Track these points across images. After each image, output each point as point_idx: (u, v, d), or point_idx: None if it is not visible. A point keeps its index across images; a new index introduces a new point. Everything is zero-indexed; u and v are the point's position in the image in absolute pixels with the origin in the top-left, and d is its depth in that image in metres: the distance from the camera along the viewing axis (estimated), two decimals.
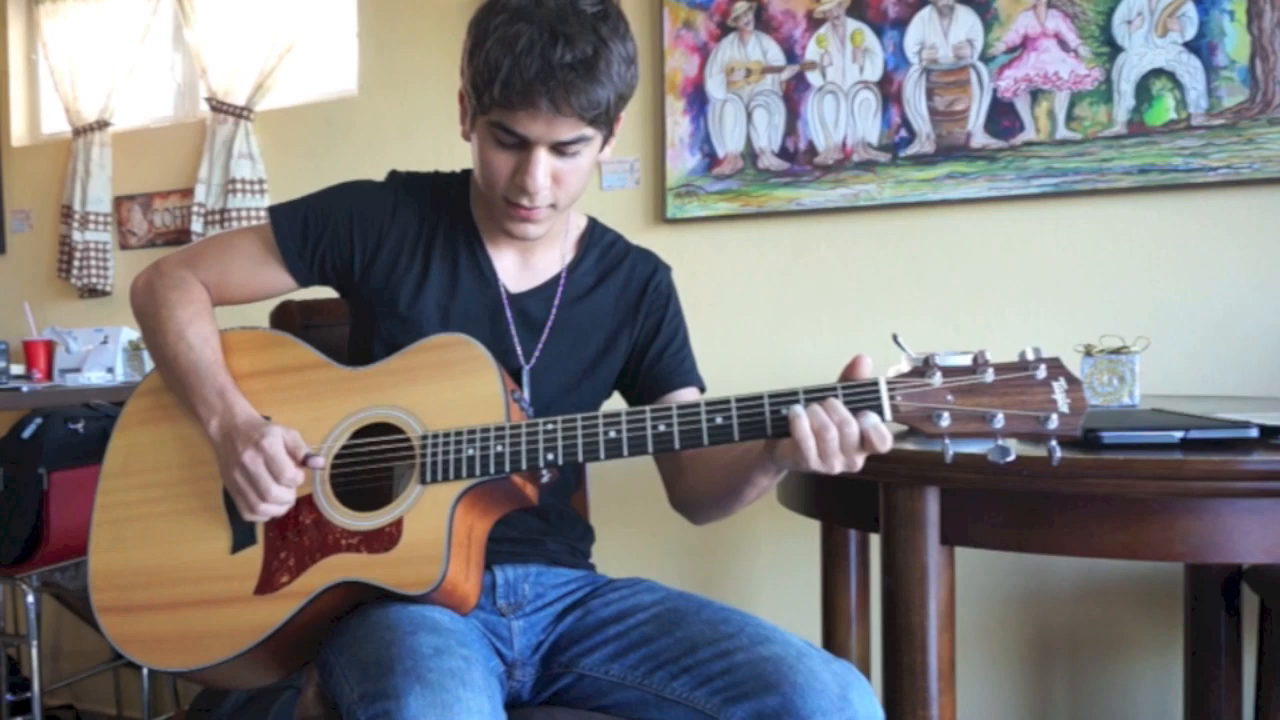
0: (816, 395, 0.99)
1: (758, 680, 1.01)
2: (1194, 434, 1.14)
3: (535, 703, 1.19)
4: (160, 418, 1.24)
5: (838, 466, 0.98)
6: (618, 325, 1.29)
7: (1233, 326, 1.81)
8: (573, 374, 1.26)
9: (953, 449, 0.98)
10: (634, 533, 2.00)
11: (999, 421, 0.95)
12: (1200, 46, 1.79)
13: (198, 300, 1.25)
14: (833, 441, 0.96)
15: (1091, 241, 1.90)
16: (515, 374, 1.22)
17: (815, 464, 0.97)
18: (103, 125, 2.88)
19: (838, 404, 0.97)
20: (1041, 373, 0.96)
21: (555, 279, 1.27)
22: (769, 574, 2.17)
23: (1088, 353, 1.51)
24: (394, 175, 1.29)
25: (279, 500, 1.10)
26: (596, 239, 1.31)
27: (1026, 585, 1.98)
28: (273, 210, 1.25)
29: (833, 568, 1.87)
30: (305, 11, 2.64)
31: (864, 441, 0.97)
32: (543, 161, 1.10)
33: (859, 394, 0.98)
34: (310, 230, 1.23)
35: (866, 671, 1.88)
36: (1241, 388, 1.80)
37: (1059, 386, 0.95)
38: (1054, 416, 0.94)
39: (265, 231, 1.25)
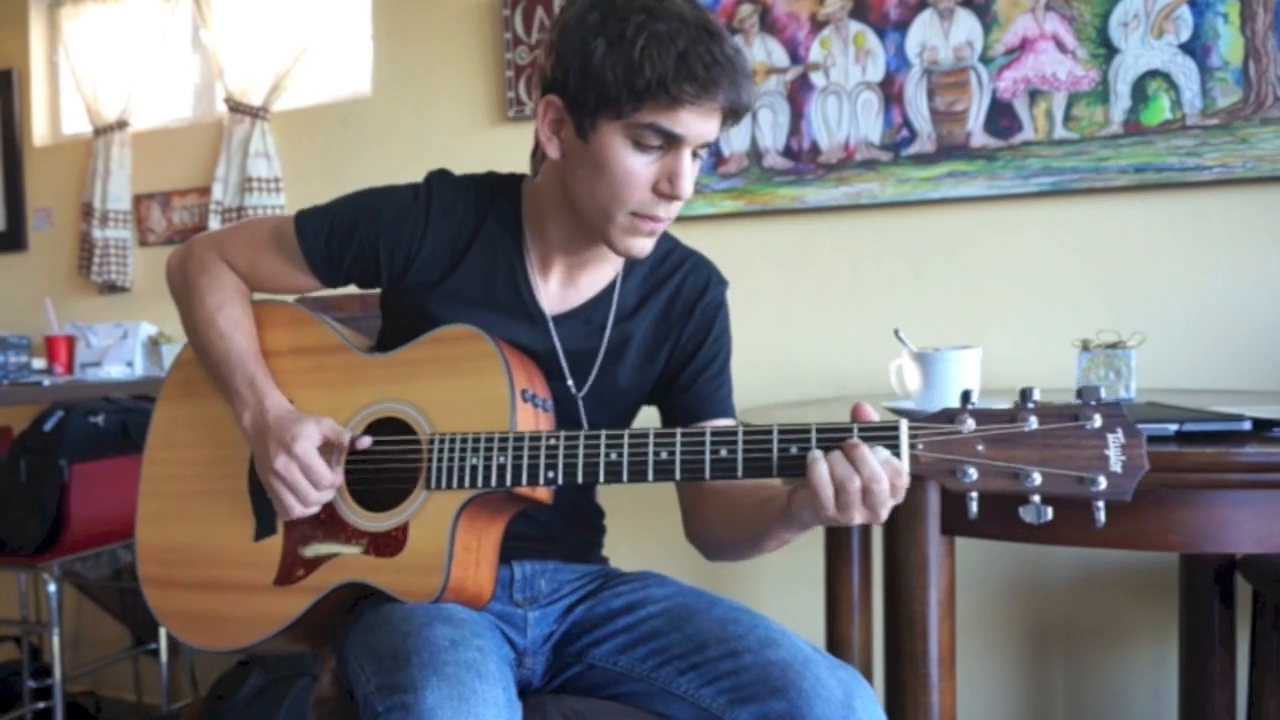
0: (832, 433, 0.91)
1: (764, 684, 1.00)
2: (1189, 427, 1.14)
3: (545, 690, 1.19)
4: (195, 392, 1.24)
5: (858, 518, 0.89)
6: (660, 338, 1.22)
7: (1227, 322, 1.83)
8: (630, 395, 1.23)
9: (976, 507, 0.86)
10: (643, 524, 2.04)
11: (1034, 480, 0.82)
12: (1195, 48, 1.81)
13: (228, 285, 1.22)
14: (855, 494, 0.88)
15: (1088, 239, 1.92)
16: (569, 403, 1.18)
17: (833, 513, 0.90)
18: (122, 125, 2.91)
19: (867, 454, 0.87)
20: (1095, 422, 0.82)
21: (605, 295, 1.20)
22: (773, 565, 2.18)
23: (1085, 347, 1.51)
24: (431, 182, 1.20)
25: (318, 503, 1.10)
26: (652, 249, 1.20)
27: (1025, 575, 2.01)
28: (298, 217, 1.20)
29: (836, 557, 1.90)
30: (320, 13, 2.68)
31: (894, 492, 0.88)
32: (691, 162, 1.05)
33: (876, 439, 0.89)
34: (334, 242, 1.18)
35: (869, 659, 1.91)
36: (1235, 381, 1.82)
37: (1114, 440, 0.81)
38: (1101, 479, 0.80)
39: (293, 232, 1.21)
